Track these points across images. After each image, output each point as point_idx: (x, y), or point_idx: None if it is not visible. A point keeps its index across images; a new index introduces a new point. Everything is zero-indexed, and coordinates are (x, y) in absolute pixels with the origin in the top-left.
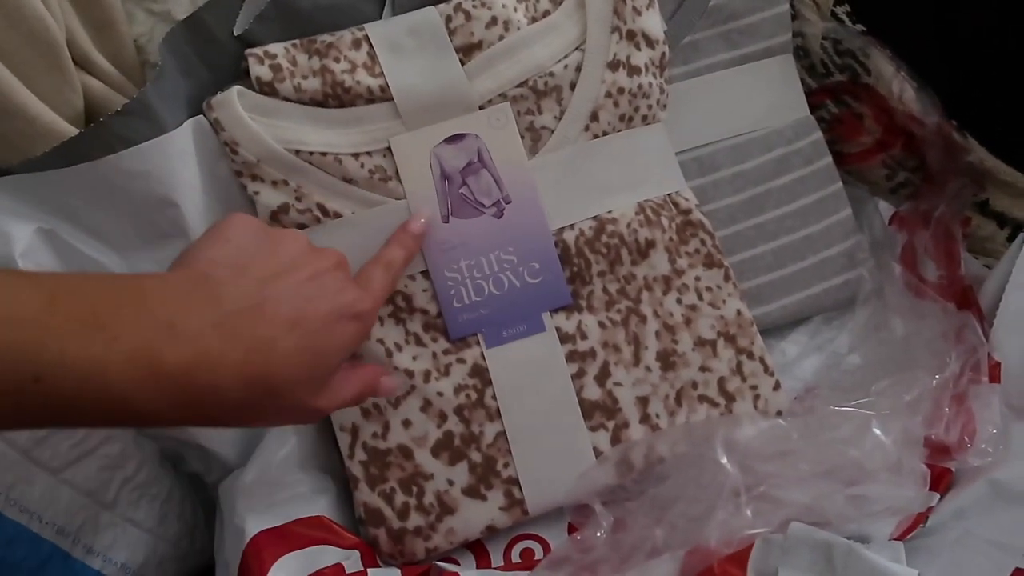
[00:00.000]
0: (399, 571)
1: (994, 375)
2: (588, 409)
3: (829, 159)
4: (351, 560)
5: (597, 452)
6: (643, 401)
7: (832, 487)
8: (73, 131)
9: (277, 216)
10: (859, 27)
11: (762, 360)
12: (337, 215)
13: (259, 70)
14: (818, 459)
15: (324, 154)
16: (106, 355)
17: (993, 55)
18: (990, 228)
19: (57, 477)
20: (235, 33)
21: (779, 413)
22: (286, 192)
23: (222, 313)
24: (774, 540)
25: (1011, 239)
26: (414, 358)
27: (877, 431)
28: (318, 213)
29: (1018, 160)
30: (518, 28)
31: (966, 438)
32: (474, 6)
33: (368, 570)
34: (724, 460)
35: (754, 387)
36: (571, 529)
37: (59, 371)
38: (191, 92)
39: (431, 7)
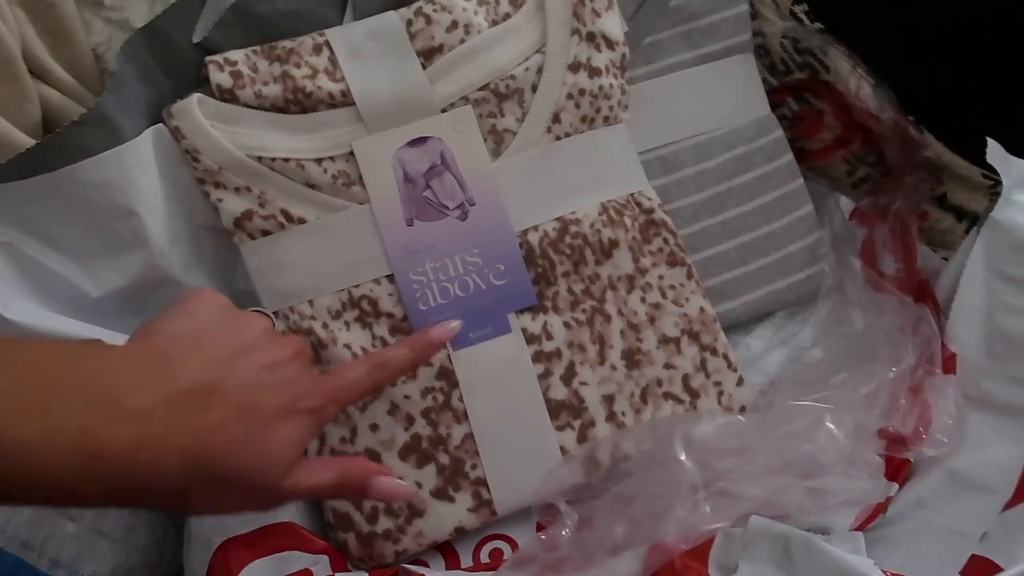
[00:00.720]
0: (368, 575)
1: (949, 366)
2: (555, 409)
3: (790, 156)
4: (320, 565)
5: (564, 451)
6: (609, 400)
7: (789, 481)
8: (30, 142)
9: (241, 223)
10: (817, 25)
11: (725, 356)
12: (301, 221)
13: (219, 77)
14: (775, 453)
15: (287, 160)
16: (48, 436)
17: (947, 51)
18: (948, 221)
19: None
20: (194, 40)
21: (743, 408)
22: (249, 199)
23: (174, 390)
24: (734, 534)
25: (969, 232)
26: None
27: (830, 425)
28: (282, 219)
29: (973, 154)
30: (479, 31)
31: (922, 429)
32: (434, 10)
33: (337, 574)
34: (683, 457)
35: (718, 383)
36: (540, 529)
37: None
38: (151, 100)
39: (391, 11)
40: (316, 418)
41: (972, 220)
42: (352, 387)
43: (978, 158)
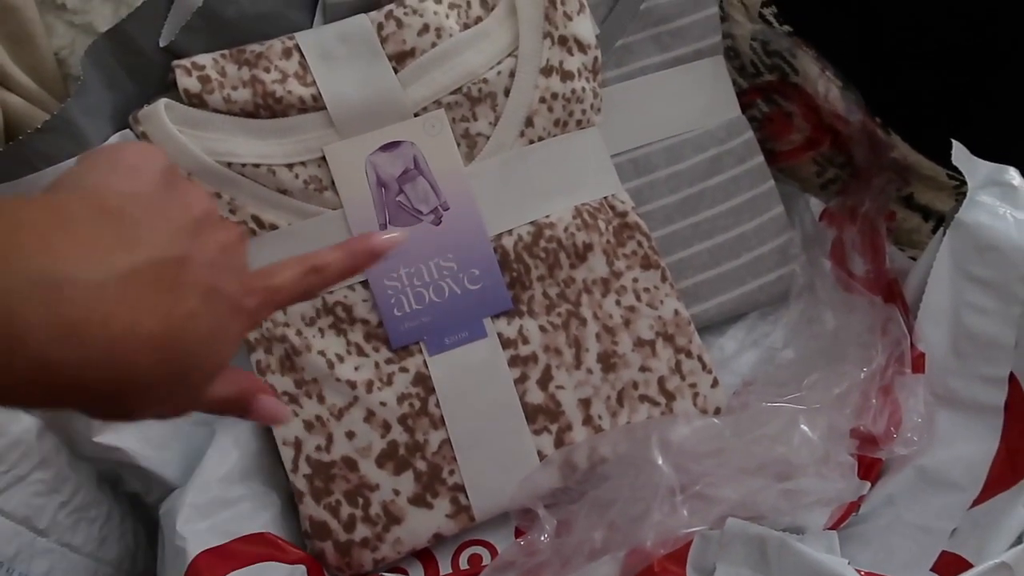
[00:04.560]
0: None
1: (918, 365)
2: (531, 413)
3: (761, 158)
4: (297, 575)
5: (541, 456)
6: (585, 403)
7: (764, 482)
8: None
9: None
10: (786, 28)
11: (700, 358)
12: (273, 227)
13: (187, 82)
14: (749, 456)
15: (257, 165)
16: None
17: (913, 54)
18: (915, 221)
19: None
20: (160, 44)
21: (718, 410)
22: (219, 205)
23: (137, 260)
24: (711, 536)
25: (936, 231)
26: (356, 368)
27: (804, 427)
28: (253, 225)
29: (939, 155)
30: (450, 35)
31: (892, 428)
32: (405, 13)
33: None
34: (660, 461)
35: (693, 385)
36: (518, 533)
37: None
38: (116, 106)
39: (362, 15)
40: (252, 319)
41: (938, 219)
42: (284, 290)
43: (943, 159)
